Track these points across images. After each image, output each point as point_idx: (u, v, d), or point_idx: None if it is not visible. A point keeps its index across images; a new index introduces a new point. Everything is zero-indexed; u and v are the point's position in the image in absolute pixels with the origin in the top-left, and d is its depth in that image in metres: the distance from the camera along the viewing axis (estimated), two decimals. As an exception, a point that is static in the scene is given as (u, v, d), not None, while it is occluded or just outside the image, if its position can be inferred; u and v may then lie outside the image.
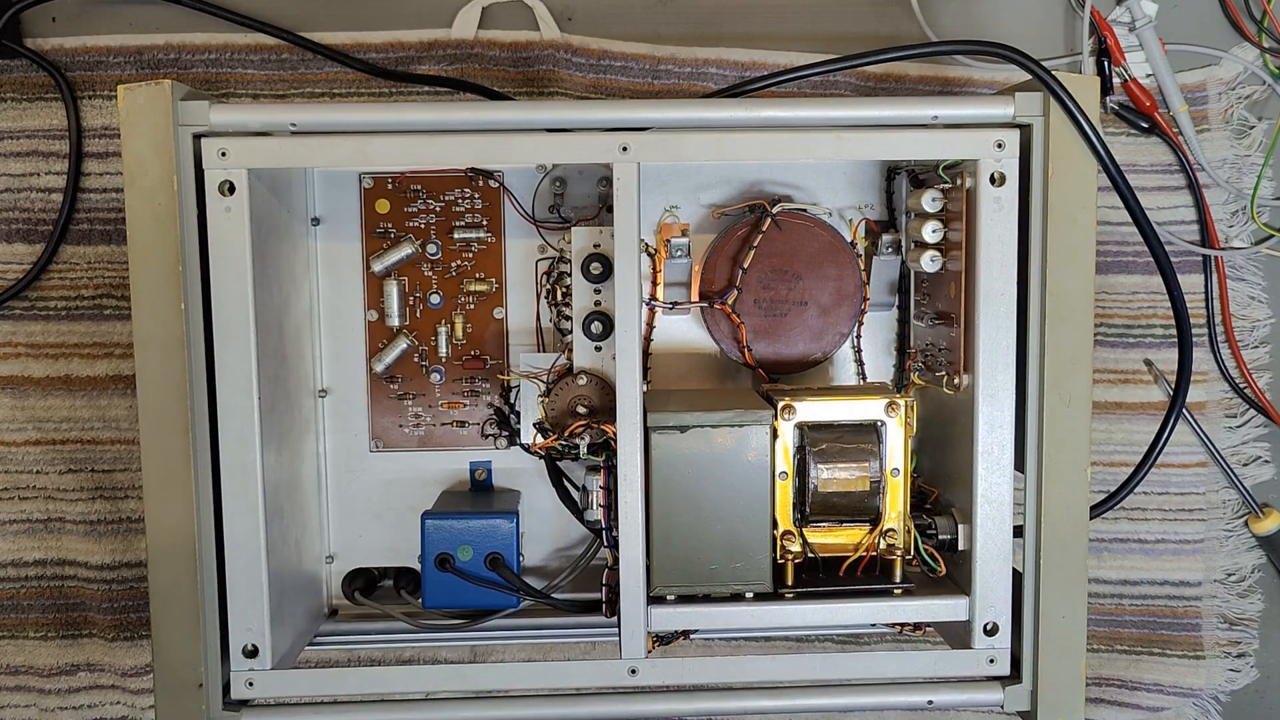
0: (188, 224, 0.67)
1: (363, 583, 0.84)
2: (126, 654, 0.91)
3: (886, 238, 0.81)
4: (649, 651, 0.71)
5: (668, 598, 0.71)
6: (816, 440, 0.71)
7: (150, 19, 0.88)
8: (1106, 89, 0.89)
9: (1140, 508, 0.93)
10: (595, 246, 0.77)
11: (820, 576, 0.74)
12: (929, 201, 0.73)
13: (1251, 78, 0.90)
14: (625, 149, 0.67)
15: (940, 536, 0.74)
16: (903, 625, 0.75)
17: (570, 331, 0.78)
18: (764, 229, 0.80)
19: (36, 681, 0.92)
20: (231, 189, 0.67)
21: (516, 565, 0.78)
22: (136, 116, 0.66)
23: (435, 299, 0.83)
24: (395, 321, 0.82)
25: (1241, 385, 0.92)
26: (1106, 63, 0.88)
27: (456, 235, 0.82)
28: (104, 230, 0.88)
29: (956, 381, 0.72)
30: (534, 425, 0.78)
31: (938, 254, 0.75)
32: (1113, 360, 0.92)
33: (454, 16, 0.88)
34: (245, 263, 0.67)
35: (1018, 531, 0.71)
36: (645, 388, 0.71)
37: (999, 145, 0.68)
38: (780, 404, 0.71)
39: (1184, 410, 0.90)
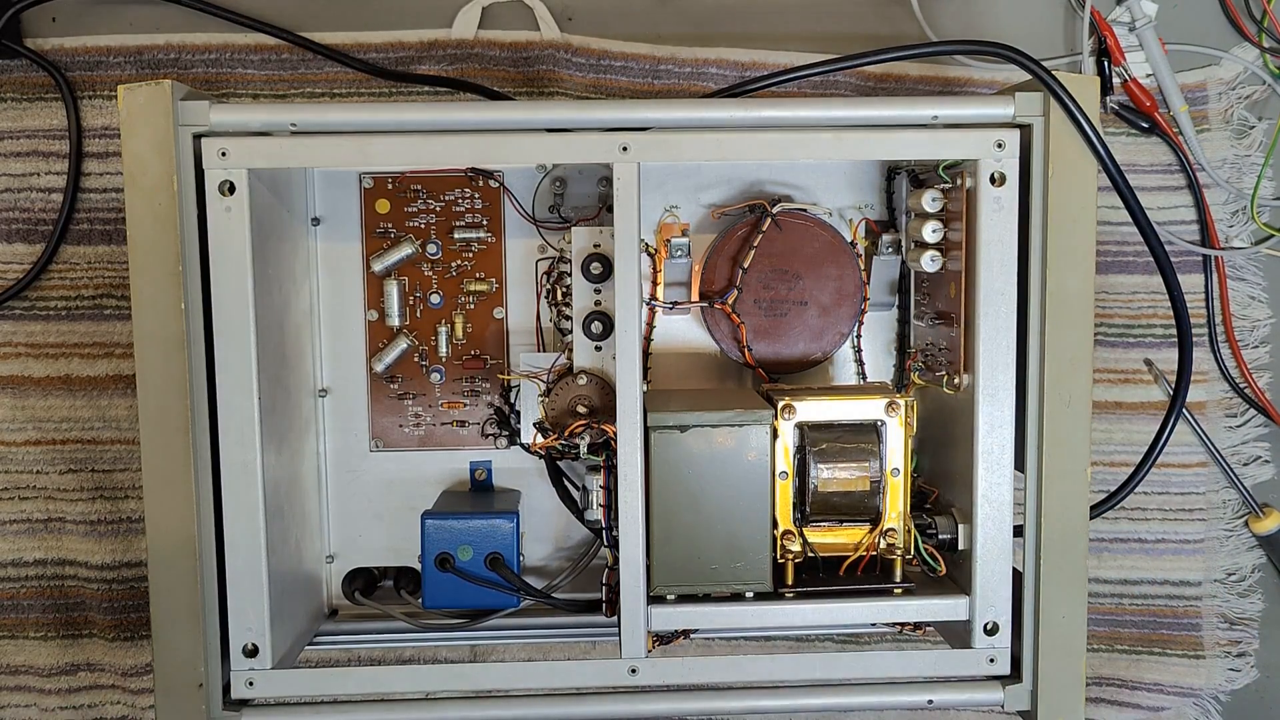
0: (188, 224, 0.67)
1: (363, 583, 0.84)
2: (126, 654, 0.91)
3: (886, 238, 0.81)
4: (649, 651, 0.71)
5: (668, 597, 0.71)
6: (816, 440, 0.71)
7: (150, 19, 0.88)
8: (1106, 89, 0.89)
9: (1140, 507, 0.93)
10: (595, 246, 0.77)
11: (820, 576, 0.74)
12: (929, 201, 0.73)
13: (1251, 78, 0.90)
14: (625, 149, 0.67)
15: (940, 536, 0.74)
16: (903, 625, 0.75)
17: (570, 331, 0.78)
18: (764, 229, 0.80)
19: (36, 681, 0.91)
20: (232, 189, 0.67)
21: (516, 565, 0.78)
22: (136, 116, 0.66)
23: (435, 299, 0.83)
24: (395, 321, 0.82)
25: (1241, 385, 0.92)
26: (1106, 63, 0.88)
27: (456, 235, 0.82)
28: (104, 230, 0.88)
29: (956, 381, 0.72)
30: (534, 425, 0.78)
31: (938, 254, 0.75)
32: (1113, 360, 0.92)
33: (454, 16, 0.88)
34: (245, 263, 0.67)
35: (1018, 531, 0.71)
36: (645, 388, 0.71)
37: (999, 145, 0.68)
38: (780, 404, 0.71)
39: (1184, 410, 0.90)
